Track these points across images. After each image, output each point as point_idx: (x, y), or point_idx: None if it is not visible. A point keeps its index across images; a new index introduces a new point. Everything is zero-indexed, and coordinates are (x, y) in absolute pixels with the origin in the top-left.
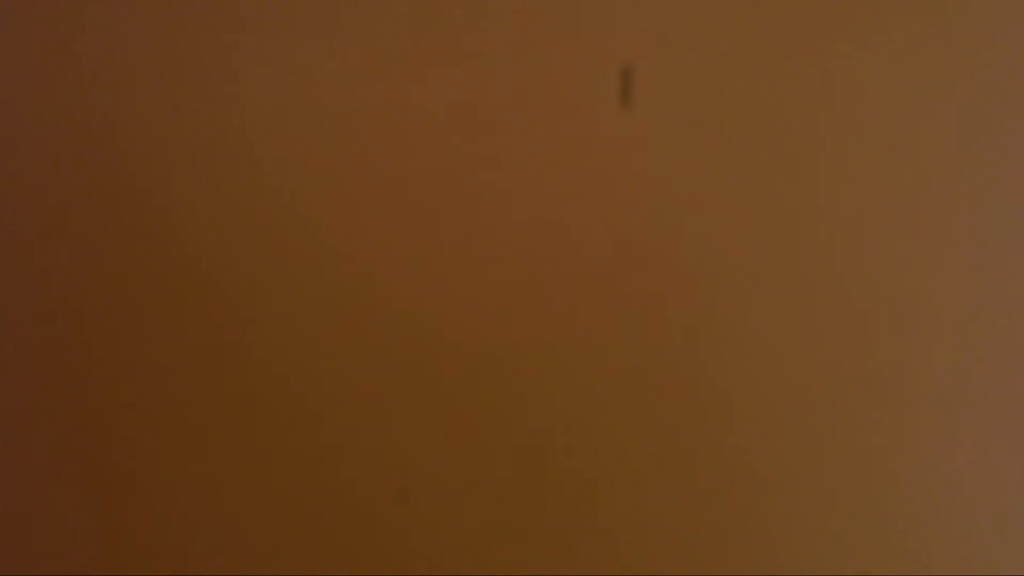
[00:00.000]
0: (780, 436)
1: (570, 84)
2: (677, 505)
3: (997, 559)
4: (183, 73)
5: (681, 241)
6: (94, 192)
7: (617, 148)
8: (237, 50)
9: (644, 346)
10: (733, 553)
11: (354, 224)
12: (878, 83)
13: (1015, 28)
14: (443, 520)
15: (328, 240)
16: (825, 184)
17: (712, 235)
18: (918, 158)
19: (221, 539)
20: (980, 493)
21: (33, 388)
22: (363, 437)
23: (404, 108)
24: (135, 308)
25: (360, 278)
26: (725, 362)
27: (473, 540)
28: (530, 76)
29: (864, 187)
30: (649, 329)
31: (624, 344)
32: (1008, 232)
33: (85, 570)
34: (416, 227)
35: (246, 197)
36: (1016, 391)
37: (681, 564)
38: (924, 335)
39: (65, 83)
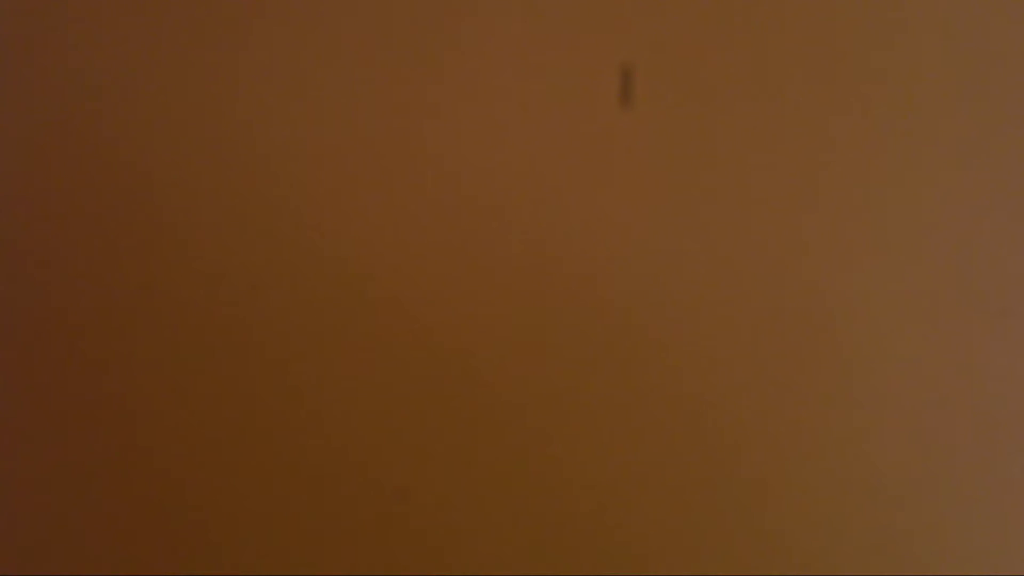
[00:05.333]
0: (778, 436)
1: (570, 84)
2: (677, 505)
3: (997, 559)
4: (183, 73)
5: (681, 241)
6: (94, 192)
7: (617, 148)
8: (237, 49)
9: (645, 344)
10: (733, 553)
11: (355, 224)
12: (879, 83)
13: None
14: (444, 519)
15: (329, 240)
16: (824, 183)
17: (712, 234)
18: (918, 157)
19: (221, 539)
20: (980, 493)
21: (34, 388)
22: (364, 437)
23: (403, 108)
24: (134, 308)
25: (361, 278)
26: (725, 359)
27: (473, 540)
28: (530, 76)
29: (864, 185)
30: (649, 328)
31: (624, 343)
32: (1008, 231)
33: (86, 570)
34: (416, 227)
35: (248, 197)
36: (1016, 391)
37: (682, 564)
38: (924, 333)
39: (65, 83)
